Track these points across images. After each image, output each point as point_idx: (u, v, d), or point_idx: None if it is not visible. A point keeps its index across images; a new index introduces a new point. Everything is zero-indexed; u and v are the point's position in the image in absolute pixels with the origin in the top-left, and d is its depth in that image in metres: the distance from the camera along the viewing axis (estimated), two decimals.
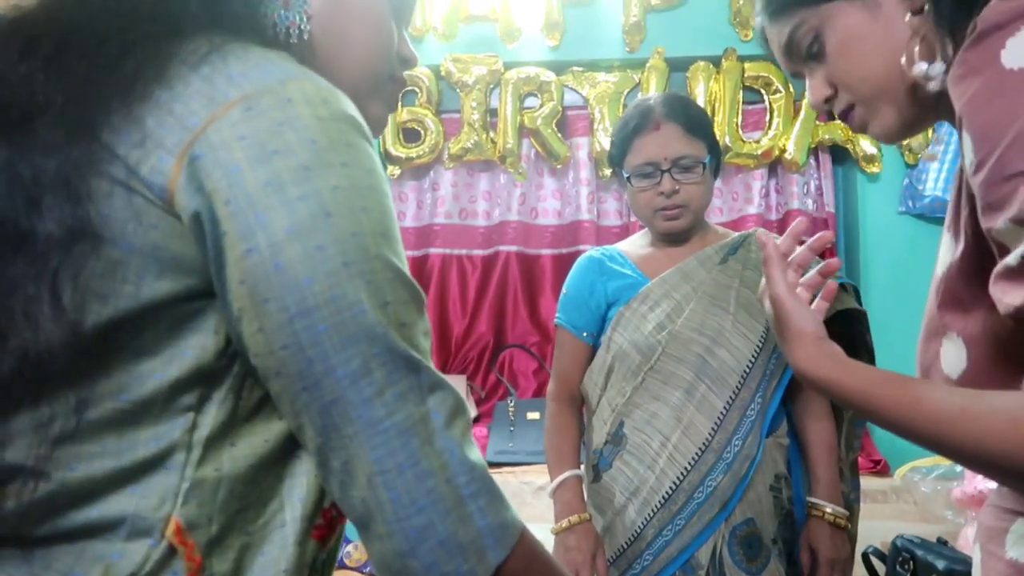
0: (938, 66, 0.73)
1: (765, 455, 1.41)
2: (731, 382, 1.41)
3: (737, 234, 1.56)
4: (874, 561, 1.53)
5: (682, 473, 1.38)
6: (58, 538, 0.51)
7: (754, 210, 2.70)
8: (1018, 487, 0.70)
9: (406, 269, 0.56)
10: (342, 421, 0.52)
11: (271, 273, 0.50)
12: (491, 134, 2.72)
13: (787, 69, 0.88)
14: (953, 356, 0.71)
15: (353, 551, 2.18)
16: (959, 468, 2.09)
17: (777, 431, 1.45)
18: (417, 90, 2.72)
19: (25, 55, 0.54)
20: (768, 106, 2.69)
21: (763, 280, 0.88)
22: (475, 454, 0.55)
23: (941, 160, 2.54)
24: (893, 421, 0.69)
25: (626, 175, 1.50)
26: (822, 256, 2.53)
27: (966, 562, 1.30)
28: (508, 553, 0.54)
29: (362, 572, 2.17)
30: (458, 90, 2.71)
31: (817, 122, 2.65)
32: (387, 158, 2.72)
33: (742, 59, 2.64)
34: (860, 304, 1.49)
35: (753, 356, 1.42)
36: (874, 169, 2.66)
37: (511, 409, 2.52)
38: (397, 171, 2.74)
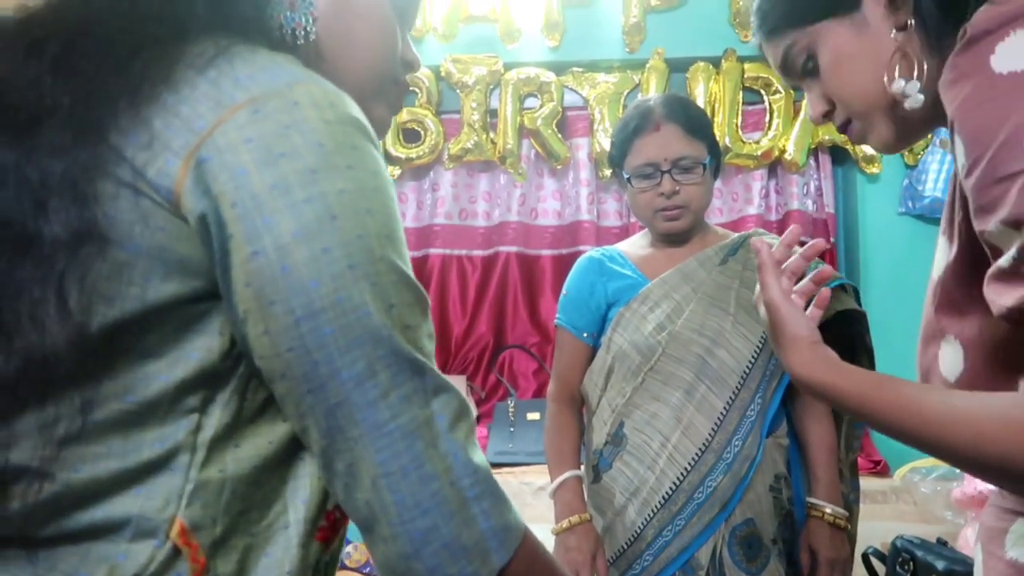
0: (913, 84, 0.74)
1: (765, 455, 1.41)
2: (731, 383, 1.41)
3: (737, 235, 1.56)
4: (874, 562, 1.53)
5: (682, 473, 1.39)
6: (63, 539, 0.52)
7: (754, 211, 2.70)
8: (1014, 489, 0.70)
9: (410, 272, 0.56)
10: (347, 424, 0.52)
11: (277, 276, 0.50)
12: (491, 135, 2.72)
13: (787, 84, 0.90)
14: (951, 359, 0.72)
15: (353, 552, 2.18)
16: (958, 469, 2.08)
17: (777, 431, 1.45)
18: (417, 90, 2.73)
19: (32, 57, 0.54)
20: (768, 107, 2.69)
21: (758, 286, 0.89)
22: (479, 456, 0.55)
23: (941, 161, 2.54)
24: (888, 424, 0.69)
25: (626, 176, 1.51)
26: (822, 258, 2.54)
27: (966, 563, 1.30)
28: (511, 555, 0.55)
29: (362, 573, 2.17)
30: (458, 91, 2.71)
31: None
32: (387, 158, 2.72)
33: (742, 60, 2.64)
34: (860, 305, 1.49)
35: (753, 357, 1.42)
36: (874, 170, 2.66)
37: (511, 410, 2.52)
38: (397, 171, 2.74)
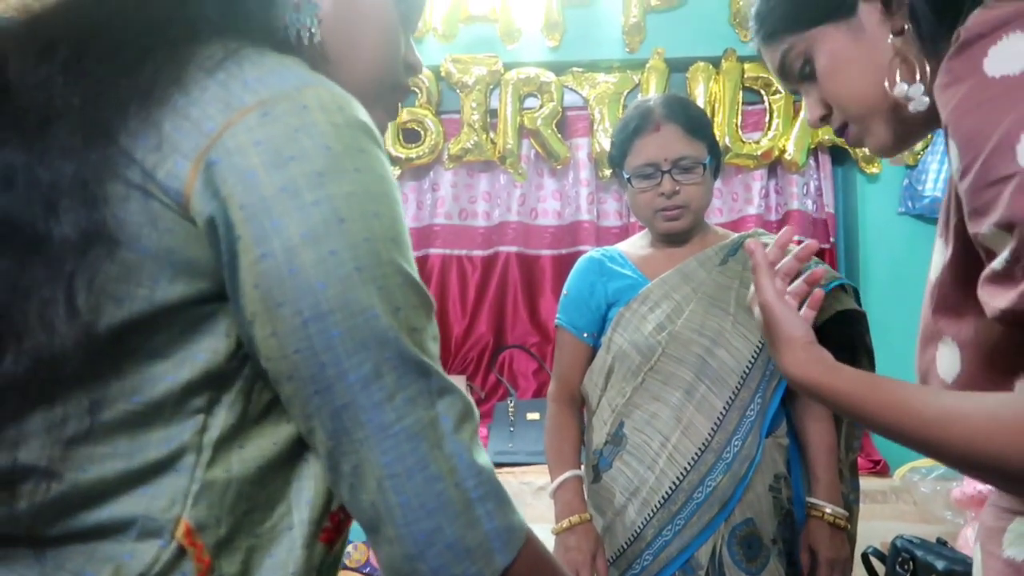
0: (917, 87, 0.74)
1: (765, 455, 1.41)
2: (731, 382, 1.41)
3: (737, 235, 1.56)
4: (874, 562, 1.53)
5: (682, 473, 1.39)
6: (69, 538, 0.52)
7: (754, 211, 2.71)
8: (1009, 489, 0.71)
9: (416, 274, 0.56)
10: (353, 425, 0.52)
11: (285, 277, 0.51)
12: (491, 135, 2.72)
13: (785, 88, 0.91)
14: (948, 360, 0.72)
15: (353, 551, 2.19)
16: None
17: (777, 431, 1.45)
18: (417, 90, 2.73)
19: (43, 59, 0.54)
20: (768, 107, 2.69)
21: (752, 287, 0.89)
22: (483, 458, 0.56)
23: (941, 161, 2.54)
24: (883, 424, 0.70)
25: (626, 176, 1.51)
26: (821, 257, 2.54)
27: (966, 562, 1.30)
28: (515, 556, 0.55)
29: (362, 573, 2.18)
30: (458, 91, 2.71)
31: None
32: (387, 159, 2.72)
33: (742, 60, 2.64)
34: (859, 305, 1.49)
35: (753, 357, 1.42)
36: (873, 170, 2.66)
37: (511, 409, 2.52)
38: (397, 172, 2.74)
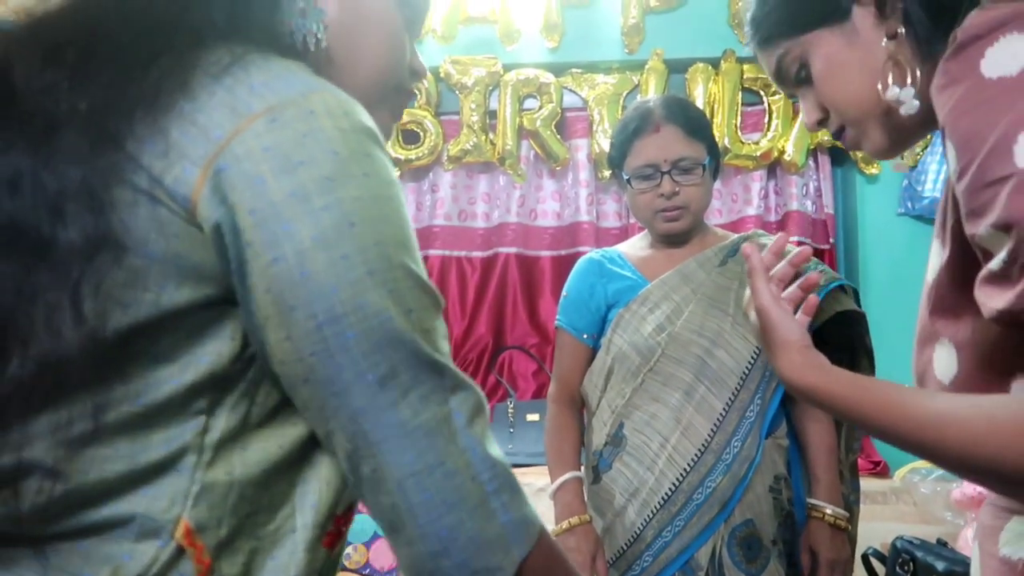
0: (908, 90, 0.75)
1: (764, 456, 1.41)
2: (730, 383, 1.41)
3: (737, 236, 1.56)
4: (874, 562, 1.53)
5: (681, 474, 1.39)
6: (68, 538, 0.52)
7: (753, 211, 2.70)
8: (1005, 492, 0.71)
9: (424, 274, 0.57)
10: (372, 427, 0.53)
11: (298, 281, 0.51)
12: (490, 136, 2.72)
13: (782, 92, 0.92)
14: (945, 362, 0.72)
15: (353, 553, 2.18)
16: None
17: (776, 432, 1.45)
18: (416, 92, 2.72)
19: (49, 63, 0.54)
20: (767, 108, 2.69)
21: (747, 292, 0.89)
22: (496, 450, 0.56)
23: (940, 162, 2.54)
24: (880, 427, 0.70)
25: (626, 177, 1.51)
26: (820, 258, 2.54)
27: (966, 563, 1.30)
28: (531, 547, 0.56)
29: (361, 574, 2.17)
30: (457, 92, 2.71)
31: None
32: None
33: (741, 61, 2.64)
34: (859, 305, 1.49)
35: (752, 358, 1.42)
36: (873, 170, 2.66)
37: (511, 411, 2.52)
38: (396, 173, 2.73)
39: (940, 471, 2.16)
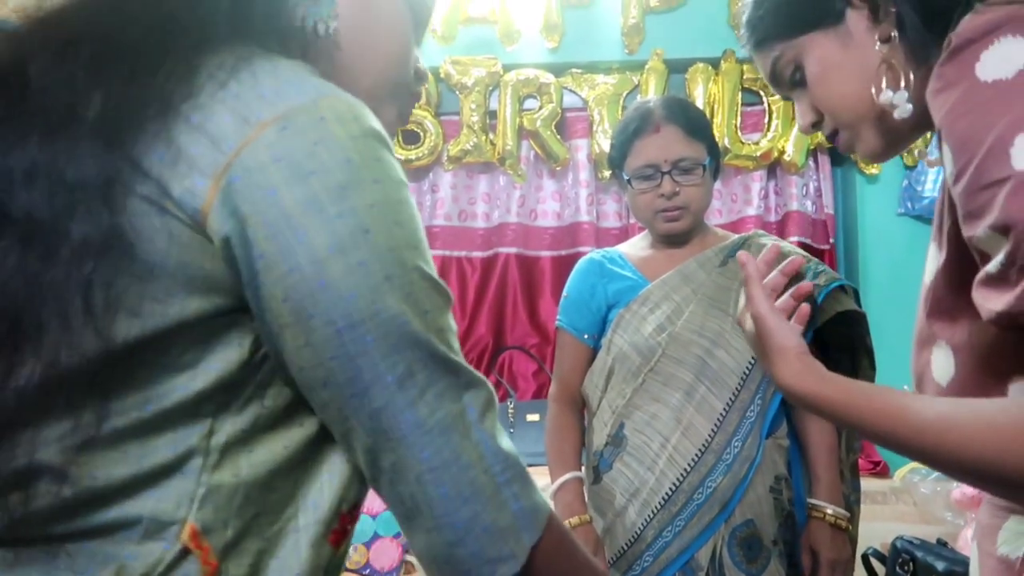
0: (902, 94, 0.75)
1: (765, 456, 1.41)
2: (731, 383, 1.41)
3: (737, 236, 1.56)
4: (874, 562, 1.53)
5: (682, 474, 1.39)
6: (75, 539, 0.52)
7: (753, 212, 2.70)
8: (1005, 495, 0.71)
9: (435, 273, 0.58)
10: (391, 425, 0.54)
11: (315, 290, 0.52)
12: (490, 136, 2.72)
13: (778, 94, 0.92)
14: (943, 364, 0.73)
15: (353, 553, 2.18)
16: None
17: (777, 432, 1.45)
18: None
19: (63, 58, 0.54)
20: (767, 108, 2.69)
21: (742, 299, 0.90)
22: (506, 442, 0.58)
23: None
24: (878, 432, 0.70)
25: (626, 177, 1.51)
26: (820, 257, 2.54)
27: (966, 563, 1.30)
28: (541, 533, 0.57)
29: (361, 574, 2.17)
30: (457, 92, 2.71)
31: None
32: None
33: (741, 61, 2.64)
34: (859, 306, 1.49)
35: (753, 358, 1.42)
36: (873, 171, 2.66)
37: (511, 411, 2.52)
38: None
39: None
